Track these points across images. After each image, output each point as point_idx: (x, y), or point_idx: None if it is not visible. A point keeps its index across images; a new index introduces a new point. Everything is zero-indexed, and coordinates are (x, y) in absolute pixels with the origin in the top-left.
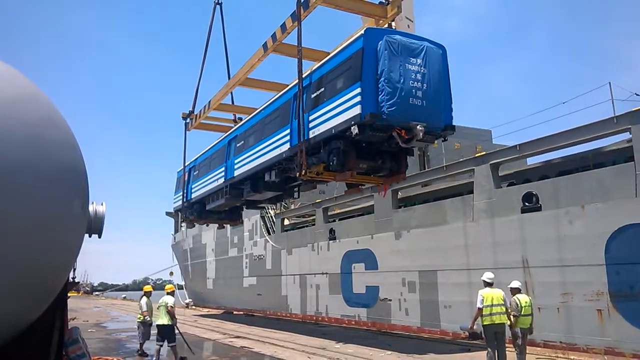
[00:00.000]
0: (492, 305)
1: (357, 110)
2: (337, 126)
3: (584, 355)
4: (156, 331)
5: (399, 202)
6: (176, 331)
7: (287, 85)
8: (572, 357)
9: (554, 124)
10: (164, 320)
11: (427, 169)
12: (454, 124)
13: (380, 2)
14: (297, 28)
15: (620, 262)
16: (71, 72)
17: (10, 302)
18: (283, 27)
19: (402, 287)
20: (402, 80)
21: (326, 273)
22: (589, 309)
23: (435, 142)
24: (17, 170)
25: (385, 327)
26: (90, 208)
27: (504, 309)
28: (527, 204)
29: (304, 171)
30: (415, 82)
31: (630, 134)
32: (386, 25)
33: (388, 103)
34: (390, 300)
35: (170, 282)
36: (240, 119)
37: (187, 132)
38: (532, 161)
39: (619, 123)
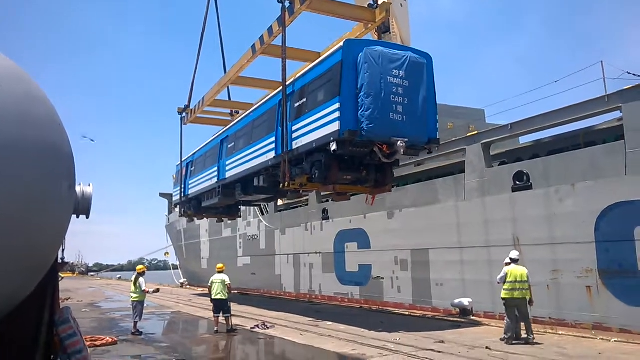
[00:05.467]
0: (515, 282)
1: (335, 126)
2: (318, 140)
3: (572, 331)
4: (213, 305)
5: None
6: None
7: (279, 84)
8: (560, 333)
9: (547, 102)
10: (221, 295)
11: None
12: (438, 137)
13: (370, 5)
14: (281, 34)
15: (609, 239)
16: (69, 63)
17: None
18: (270, 30)
19: (395, 266)
20: (382, 95)
21: (319, 252)
22: (578, 286)
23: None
24: None
25: (378, 304)
26: (78, 189)
27: (527, 285)
28: (518, 182)
29: (287, 182)
30: (397, 97)
31: (621, 112)
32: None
33: (367, 119)
34: (382, 278)
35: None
36: (237, 112)
37: (183, 126)
38: (525, 140)
39: (610, 102)
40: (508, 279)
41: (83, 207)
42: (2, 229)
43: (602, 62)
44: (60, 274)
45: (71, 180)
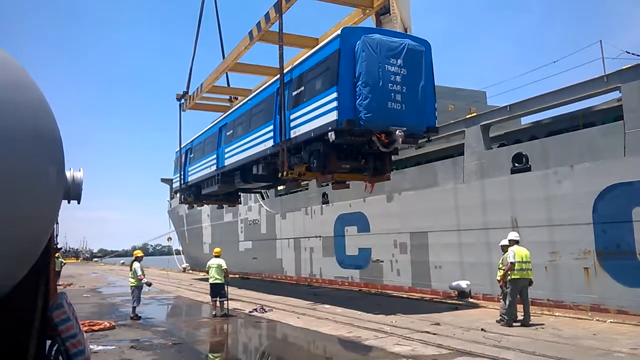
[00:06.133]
0: (522, 262)
1: (333, 116)
2: (316, 130)
3: (569, 312)
4: (210, 289)
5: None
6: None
7: (277, 70)
8: (557, 314)
9: (548, 82)
10: (218, 279)
11: None
12: (437, 125)
13: None
14: (278, 21)
15: (607, 220)
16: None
17: None
18: (267, 16)
19: (394, 249)
20: (380, 83)
21: (320, 236)
22: (576, 267)
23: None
24: None
25: (378, 287)
26: (68, 174)
27: (530, 266)
28: (516, 164)
29: (285, 172)
30: (395, 85)
31: (620, 92)
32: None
33: (365, 108)
34: (382, 261)
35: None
36: (236, 98)
37: (182, 112)
38: (526, 121)
39: (609, 82)
40: (516, 259)
41: (74, 192)
42: None
43: (601, 41)
44: (63, 260)
45: (60, 166)
